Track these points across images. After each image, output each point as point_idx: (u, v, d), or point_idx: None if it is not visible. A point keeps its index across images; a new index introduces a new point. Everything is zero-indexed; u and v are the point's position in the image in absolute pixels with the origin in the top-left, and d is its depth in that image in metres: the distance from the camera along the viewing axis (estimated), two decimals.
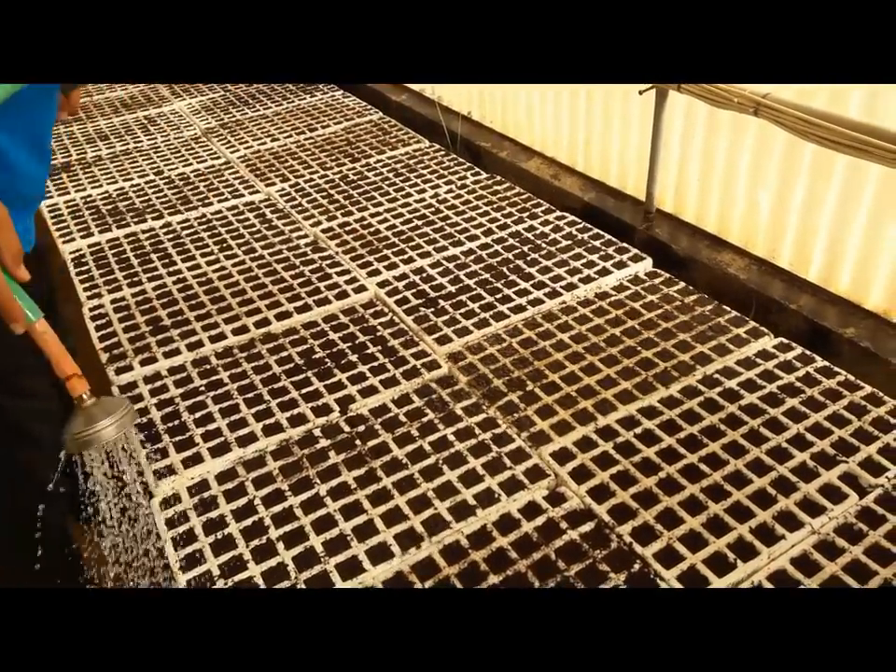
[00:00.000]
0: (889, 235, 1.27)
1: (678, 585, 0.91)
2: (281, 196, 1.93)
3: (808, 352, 1.27)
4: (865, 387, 1.19)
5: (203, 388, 1.28)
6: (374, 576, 0.95)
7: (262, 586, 0.94)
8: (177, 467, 1.12)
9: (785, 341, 1.30)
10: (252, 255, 1.68)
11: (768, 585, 0.90)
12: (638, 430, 1.14)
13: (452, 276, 1.56)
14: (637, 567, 0.94)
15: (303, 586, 0.93)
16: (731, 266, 1.50)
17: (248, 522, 1.03)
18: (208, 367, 1.33)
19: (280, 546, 0.99)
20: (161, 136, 2.32)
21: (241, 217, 1.84)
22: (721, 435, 1.12)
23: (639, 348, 1.32)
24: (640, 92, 1.52)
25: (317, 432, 1.18)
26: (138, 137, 2.32)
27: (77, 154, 2.20)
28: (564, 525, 1.00)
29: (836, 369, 1.23)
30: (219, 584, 0.95)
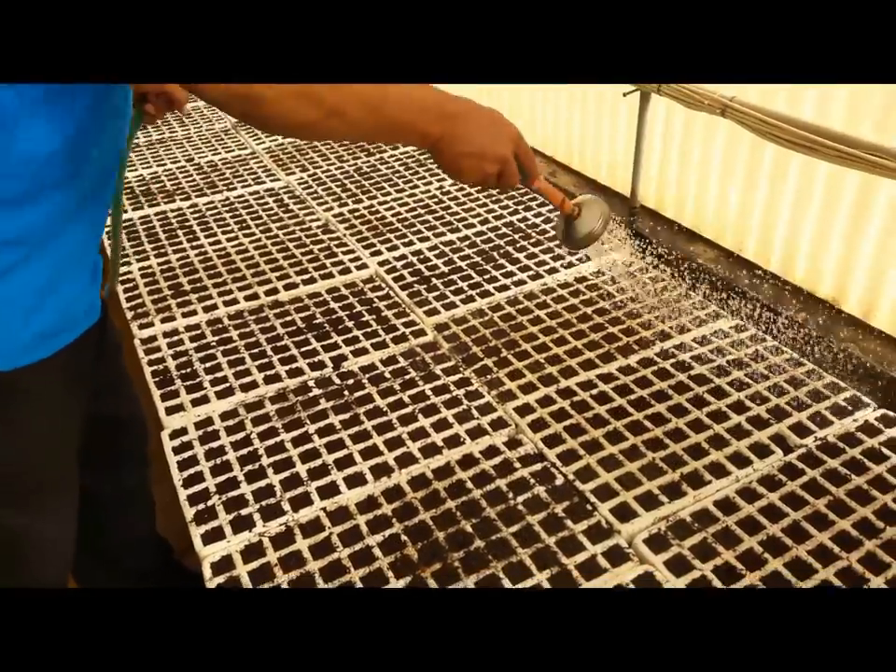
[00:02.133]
0: (836, 232, 1.39)
1: (610, 517, 1.04)
2: (299, 184, 2.10)
3: (761, 333, 1.39)
4: (807, 364, 1.30)
5: (214, 344, 1.45)
6: (348, 497, 1.09)
7: (252, 503, 1.09)
8: (186, 405, 1.28)
9: (741, 322, 1.42)
10: (268, 234, 1.84)
11: (688, 520, 1.03)
12: (594, 392, 1.27)
13: (446, 258, 1.71)
14: (575, 500, 1.07)
15: (287, 506, 1.08)
16: (701, 257, 1.62)
17: (244, 451, 1.19)
18: (220, 326, 1.50)
19: (270, 471, 1.15)
20: (195, 128, 2.51)
21: (261, 202, 2.01)
22: (668, 398, 1.25)
23: (607, 325, 1.46)
24: (624, 94, 1.65)
25: (311, 383, 1.33)
26: (173, 128, 2.51)
27: None
28: (517, 465, 1.14)
29: (784, 348, 1.35)
30: (214, 500, 1.10)
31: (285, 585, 0.97)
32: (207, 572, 1.00)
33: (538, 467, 1.13)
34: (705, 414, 1.21)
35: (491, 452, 1.17)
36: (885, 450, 1.13)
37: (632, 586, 0.94)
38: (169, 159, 2.28)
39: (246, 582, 0.98)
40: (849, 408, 1.21)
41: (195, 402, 1.29)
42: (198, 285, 1.64)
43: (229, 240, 1.82)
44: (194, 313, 1.54)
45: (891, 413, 1.19)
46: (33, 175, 0.75)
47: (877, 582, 0.93)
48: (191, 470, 1.16)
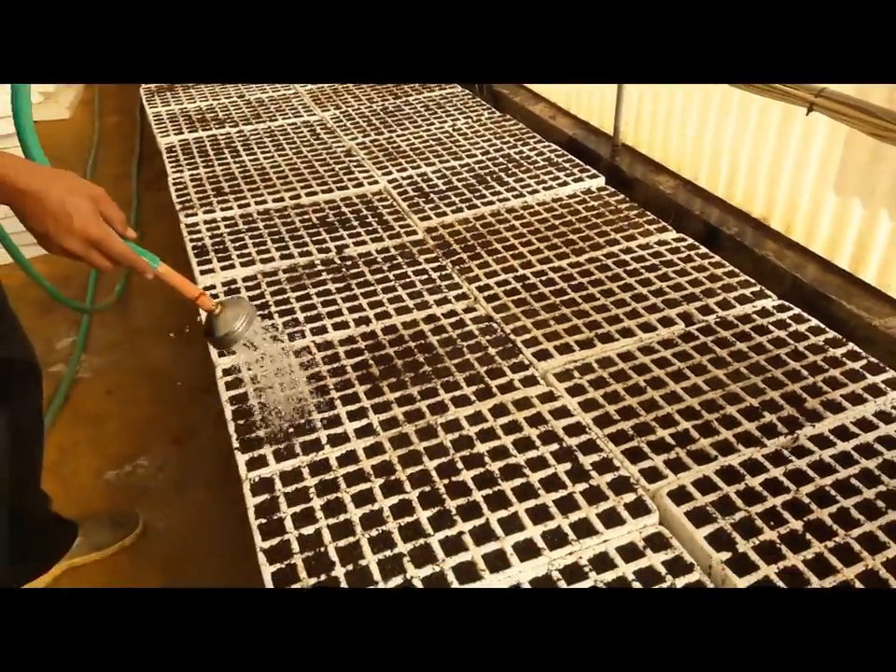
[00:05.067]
0: (764, 157, 1.62)
1: (531, 357, 1.31)
2: (331, 119, 2.41)
3: (697, 243, 1.63)
4: (727, 265, 1.54)
5: (243, 230, 1.77)
6: (334, 336, 1.40)
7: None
8: (216, 269, 1.61)
9: (683, 235, 1.66)
10: (298, 155, 2.16)
11: (593, 364, 1.30)
12: (544, 278, 1.55)
13: (445, 179, 1.99)
14: (509, 346, 1.35)
15: (285, 338, 1.39)
16: (663, 185, 1.86)
17: (258, 303, 1.51)
18: (250, 218, 1.82)
19: (276, 316, 1.46)
20: None
21: (297, 131, 2.33)
22: (602, 284, 1.51)
23: (568, 233, 1.72)
24: None
25: (317, 262, 1.64)
26: None
27: None
28: (469, 323, 1.42)
29: (712, 254, 1.59)
30: None
31: (276, 387, 1.29)
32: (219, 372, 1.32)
33: (483, 325, 1.42)
34: (630, 297, 1.47)
35: (450, 314, 1.46)
36: (771, 327, 1.37)
37: (536, 400, 1.21)
38: (223, 94, 2.62)
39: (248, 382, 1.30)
40: (753, 298, 1.45)
41: (223, 268, 1.62)
42: (236, 189, 1.96)
43: (266, 158, 2.14)
44: (230, 208, 1.87)
45: (787, 303, 1.43)
46: None
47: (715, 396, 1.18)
48: None
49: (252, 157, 2.15)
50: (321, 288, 1.55)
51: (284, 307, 1.49)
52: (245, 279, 1.60)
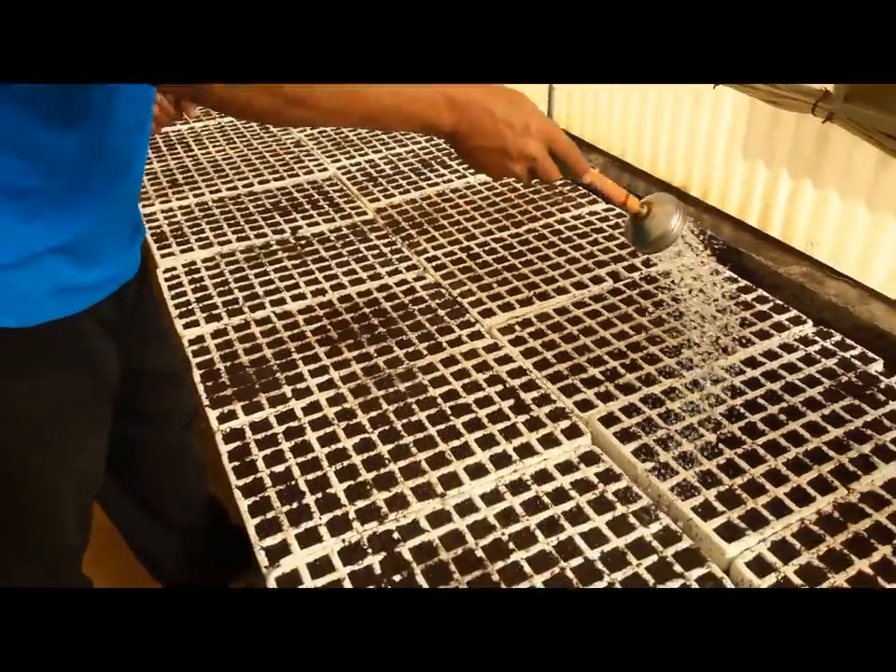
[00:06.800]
0: (681, 132, 1.78)
1: (476, 315, 1.44)
2: None
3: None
4: None
5: (199, 217, 1.85)
6: (292, 306, 1.50)
7: (221, 307, 1.49)
8: (176, 253, 1.69)
9: (611, 206, 1.81)
10: (249, 147, 2.24)
11: (532, 318, 1.43)
12: (486, 248, 1.67)
13: (392, 165, 2.11)
14: (456, 307, 1.47)
15: (247, 310, 1.49)
16: (594, 162, 2.02)
17: (218, 280, 1.59)
18: (206, 208, 1.90)
19: (236, 291, 1.55)
20: None
21: (247, 126, 2.41)
22: (530, 243, 1.65)
23: (508, 208, 1.85)
24: None
25: (273, 242, 1.74)
26: None
27: None
28: (419, 289, 1.54)
29: None
30: (194, 305, 1.50)
31: (241, 353, 1.38)
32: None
33: (433, 291, 1.54)
34: (564, 260, 1.61)
35: (402, 283, 1.57)
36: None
37: (482, 351, 1.33)
38: None
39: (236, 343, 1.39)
40: (674, 255, 1.60)
41: (182, 251, 1.70)
42: (190, 180, 2.04)
43: (218, 151, 2.22)
44: (186, 198, 1.94)
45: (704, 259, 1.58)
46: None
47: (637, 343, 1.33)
48: (179, 294, 1.57)
49: (204, 151, 2.23)
50: (278, 266, 1.65)
51: (243, 283, 1.59)
52: (204, 260, 1.68)
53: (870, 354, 1.29)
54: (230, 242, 1.74)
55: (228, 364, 1.33)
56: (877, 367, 1.27)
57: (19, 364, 0.81)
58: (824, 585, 0.91)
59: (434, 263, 1.63)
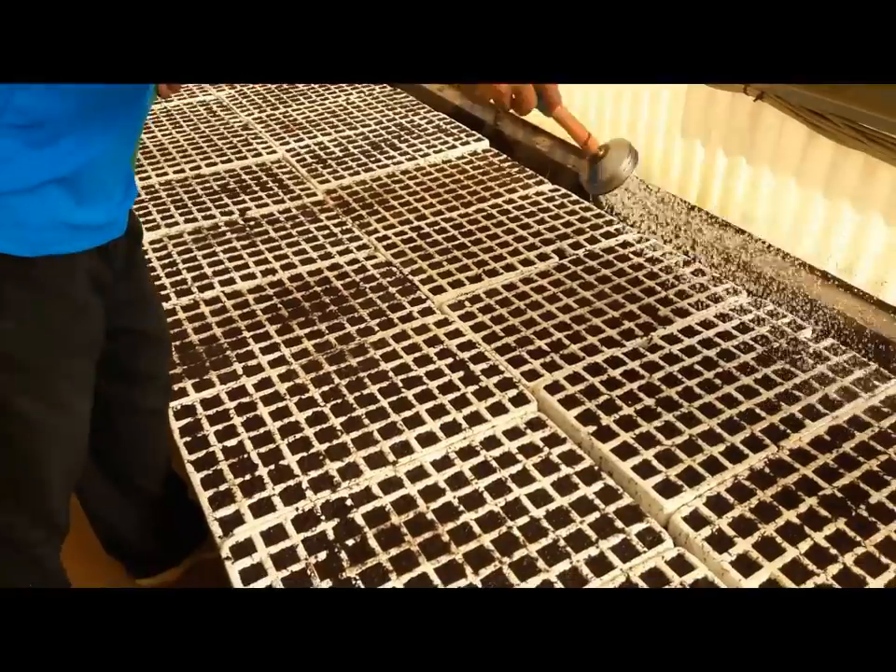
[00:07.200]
0: (623, 112, 1.83)
1: (427, 293, 1.46)
2: (227, 97, 2.47)
3: (570, 192, 1.82)
4: (605, 215, 1.74)
5: (146, 200, 1.83)
6: (242, 286, 1.50)
7: (169, 289, 1.49)
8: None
9: (557, 186, 1.85)
10: (196, 131, 2.22)
11: (481, 296, 1.46)
12: (436, 228, 1.70)
13: (342, 147, 2.11)
14: (407, 284, 1.49)
15: (196, 290, 1.48)
16: (540, 145, 2.05)
17: (167, 261, 1.58)
18: (153, 191, 1.88)
19: (184, 272, 1.54)
20: None
21: (194, 110, 2.38)
22: (482, 222, 1.68)
23: (458, 189, 1.88)
24: None
25: (222, 224, 1.73)
26: None
27: None
28: (371, 269, 1.56)
29: (586, 202, 1.78)
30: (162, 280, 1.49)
31: (190, 332, 1.38)
32: None
33: (384, 269, 1.56)
34: (512, 239, 1.64)
35: (353, 262, 1.59)
36: (631, 255, 1.57)
37: (433, 326, 1.36)
38: None
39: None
40: (616, 234, 1.65)
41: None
42: (136, 164, 2.01)
43: (164, 136, 2.19)
44: (150, 177, 1.92)
45: (645, 236, 1.64)
46: None
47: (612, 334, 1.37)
48: None
49: (150, 135, 2.20)
50: (227, 246, 1.64)
51: (191, 264, 1.58)
52: (151, 242, 1.66)
53: (799, 321, 1.36)
54: (177, 224, 1.72)
55: (178, 343, 1.33)
56: (806, 333, 1.34)
57: (11, 292, 0.82)
58: (755, 536, 0.97)
59: (385, 243, 1.65)
